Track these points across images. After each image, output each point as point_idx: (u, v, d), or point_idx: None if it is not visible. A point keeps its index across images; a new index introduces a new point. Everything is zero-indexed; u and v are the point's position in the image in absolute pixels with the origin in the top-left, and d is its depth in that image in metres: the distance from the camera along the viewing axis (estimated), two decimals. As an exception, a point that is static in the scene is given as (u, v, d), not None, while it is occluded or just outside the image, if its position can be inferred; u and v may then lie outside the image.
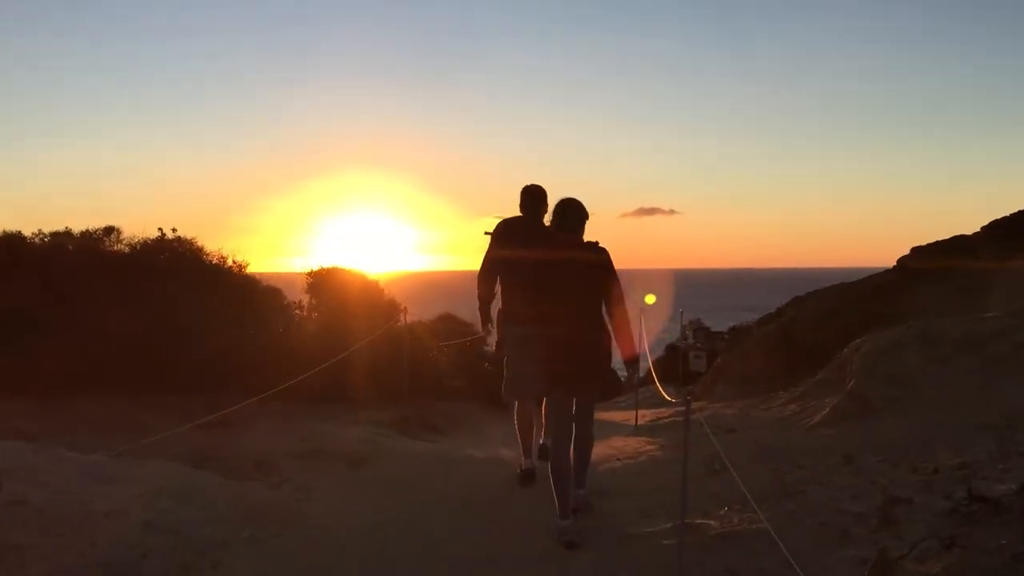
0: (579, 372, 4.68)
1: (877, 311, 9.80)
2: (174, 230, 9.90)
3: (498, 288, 5.58)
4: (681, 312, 12.97)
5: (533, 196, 5.50)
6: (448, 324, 20.91)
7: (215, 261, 10.40)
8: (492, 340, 12.66)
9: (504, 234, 5.50)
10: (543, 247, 4.79)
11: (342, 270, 11.17)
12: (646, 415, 9.42)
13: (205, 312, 8.69)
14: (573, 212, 4.77)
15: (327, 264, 11.27)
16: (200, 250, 10.48)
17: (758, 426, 6.56)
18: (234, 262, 10.57)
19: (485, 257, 5.56)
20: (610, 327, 4.75)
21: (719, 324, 25.44)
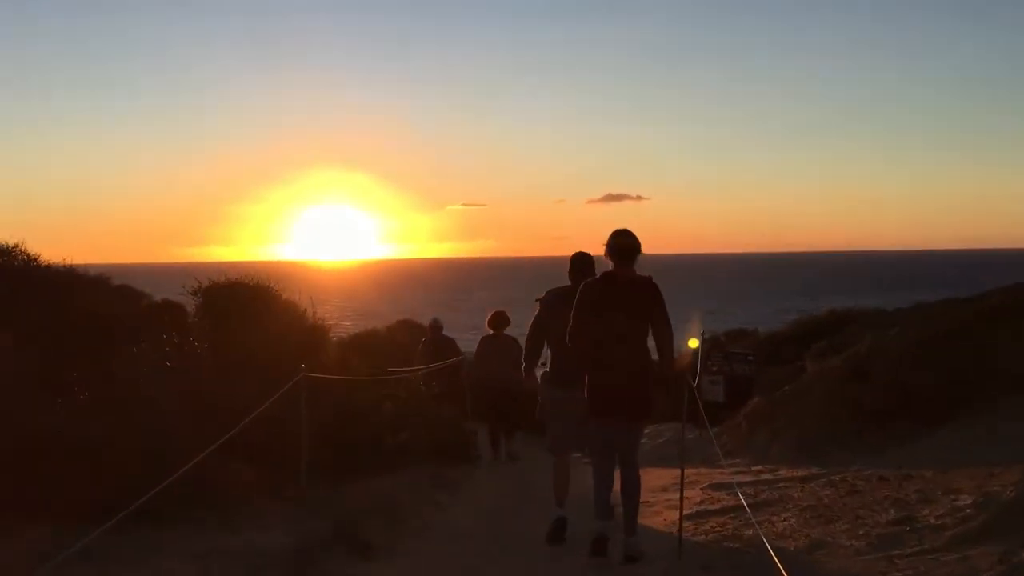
0: (624, 405, 4.99)
1: (1003, 345, 6.91)
2: (-21, 234, 6.76)
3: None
4: (702, 333, 10.06)
5: (583, 265, 5.78)
6: (404, 335, 17.66)
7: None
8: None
9: (554, 302, 5.75)
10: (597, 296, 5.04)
11: (244, 286, 8.03)
12: (691, 495, 6.47)
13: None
14: (627, 247, 5.06)
15: (224, 278, 8.15)
16: (30, 260, 7.35)
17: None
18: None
19: (534, 323, 5.94)
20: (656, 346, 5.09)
21: (717, 324, 22.55)
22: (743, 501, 5.88)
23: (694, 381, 6.49)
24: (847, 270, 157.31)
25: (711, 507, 6.31)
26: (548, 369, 5.91)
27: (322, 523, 5.57)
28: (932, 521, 4.36)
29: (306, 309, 8.63)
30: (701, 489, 7.11)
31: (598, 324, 4.98)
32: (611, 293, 4.99)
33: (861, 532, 4.55)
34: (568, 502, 5.92)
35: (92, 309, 7.17)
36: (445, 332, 12.35)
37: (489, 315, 10.12)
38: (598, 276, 5.20)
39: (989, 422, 6.86)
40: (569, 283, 5.81)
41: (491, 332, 9.92)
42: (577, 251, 5.95)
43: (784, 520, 5.31)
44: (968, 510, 4.26)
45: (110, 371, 6.05)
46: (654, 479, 7.80)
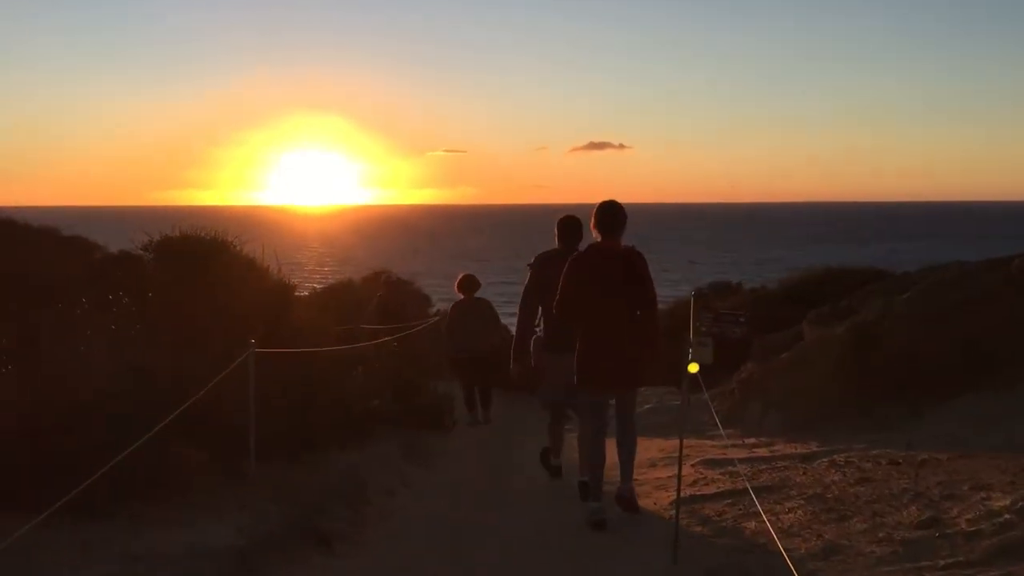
0: (617, 376, 5.16)
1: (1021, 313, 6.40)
2: None
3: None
4: (692, 292, 9.51)
5: (571, 228, 5.94)
6: (380, 286, 17.03)
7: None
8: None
9: (545, 266, 5.80)
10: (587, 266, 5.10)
11: (199, 240, 7.31)
12: (683, 473, 5.98)
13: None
14: (614, 218, 5.15)
15: (177, 231, 7.44)
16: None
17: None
18: None
19: (526, 289, 5.98)
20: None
21: (700, 275, 22.02)
22: (741, 485, 5.42)
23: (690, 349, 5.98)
24: (830, 220, 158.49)
25: (705, 490, 5.81)
26: (542, 333, 6.02)
27: (278, 510, 5.02)
28: (964, 526, 3.85)
29: (270, 266, 7.96)
30: (692, 466, 6.61)
31: (587, 297, 5.05)
32: (599, 266, 5.06)
33: (882, 535, 4.05)
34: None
35: (26, 266, 6.50)
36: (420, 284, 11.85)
37: (459, 278, 9.60)
38: (585, 248, 5.24)
39: (1005, 398, 6.40)
40: (558, 246, 5.94)
41: (461, 297, 9.44)
42: (565, 215, 6.05)
43: (789, 512, 4.81)
44: (1007, 515, 3.76)
45: (38, 338, 5.40)
46: (641, 451, 7.25)
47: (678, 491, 5.04)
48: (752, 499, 4.74)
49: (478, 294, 9.56)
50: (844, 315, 7.63)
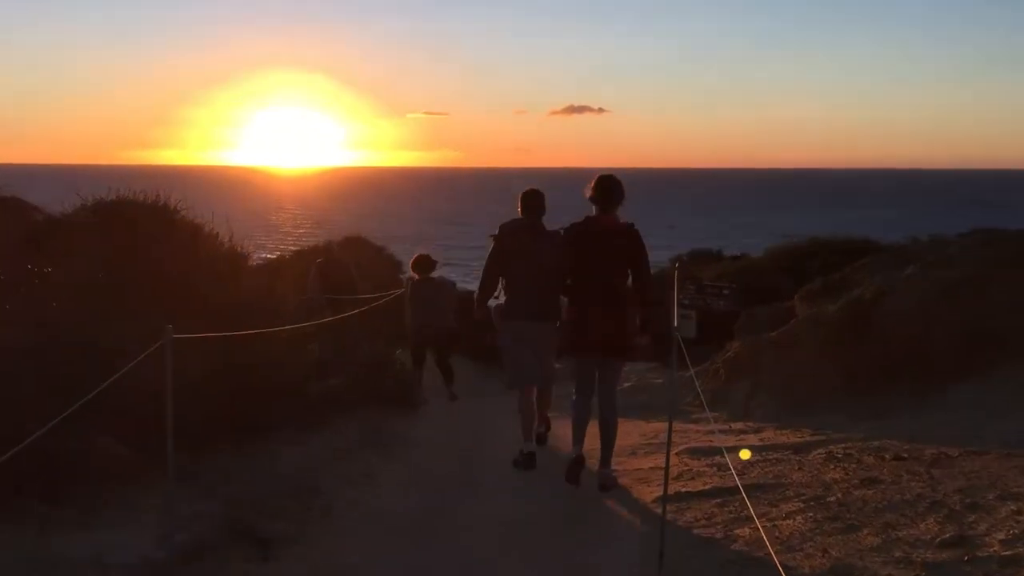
0: (602, 344, 5.24)
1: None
2: None
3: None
4: (675, 263, 9.00)
5: (534, 201, 5.92)
6: (352, 254, 16.39)
7: None
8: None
9: (508, 235, 5.89)
10: (580, 238, 5.30)
11: (136, 204, 6.62)
12: (672, 464, 5.49)
13: None
14: (611, 193, 5.25)
15: (115, 194, 6.75)
16: None
17: None
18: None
19: (489, 257, 5.97)
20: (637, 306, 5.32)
21: (679, 240, 21.49)
22: (731, 482, 4.89)
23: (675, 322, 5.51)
24: (809, 186, 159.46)
25: (691, 485, 5.26)
26: (503, 303, 6.06)
27: (209, 509, 4.43)
28: (997, 548, 3.32)
29: (218, 233, 7.28)
30: (676, 455, 6.07)
31: (582, 266, 5.23)
32: (595, 238, 5.19)
33: (899, 554, 3.51)
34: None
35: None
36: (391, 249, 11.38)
37: (413, 258, 9.56)
38: (581, 220, 5.32)
39: (1012, 385, 5.90)
40: (521, 217, 5.99)
41: (418, 277, 9.36)
42: (528, 188, 6.10)
43: (788, 518, 4.27)
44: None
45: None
46: (620, 436, 6.72)
47: (665, 489, 4.49)
48: (744, 500, 4.23)
49: (435, 273, 9.55)
50: (838, 290, 7.09)
